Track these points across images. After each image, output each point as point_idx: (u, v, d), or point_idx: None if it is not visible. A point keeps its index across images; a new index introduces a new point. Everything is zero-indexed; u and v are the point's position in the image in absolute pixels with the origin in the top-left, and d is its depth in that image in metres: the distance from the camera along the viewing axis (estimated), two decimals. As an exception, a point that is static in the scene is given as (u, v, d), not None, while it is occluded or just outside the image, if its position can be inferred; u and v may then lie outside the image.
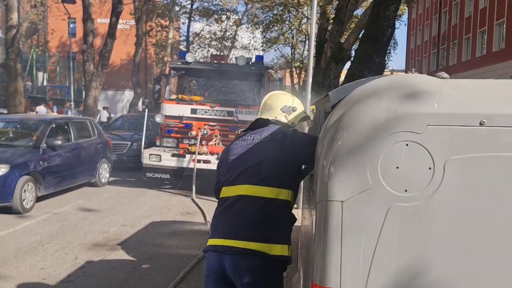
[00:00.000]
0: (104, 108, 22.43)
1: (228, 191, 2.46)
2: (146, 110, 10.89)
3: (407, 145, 1.82)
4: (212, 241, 2.43)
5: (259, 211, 2.34)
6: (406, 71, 51.20)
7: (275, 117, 2.61)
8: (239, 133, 2.70)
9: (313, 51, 7.52)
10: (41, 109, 19.33)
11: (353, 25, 22.96)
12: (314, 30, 7.52)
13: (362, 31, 17.65)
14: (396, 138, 1.82)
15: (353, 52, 19.74)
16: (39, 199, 7.57)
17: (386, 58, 10.53)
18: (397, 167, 1.83)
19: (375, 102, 1.91)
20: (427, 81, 1.97)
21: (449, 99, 1.84)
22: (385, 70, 11.83)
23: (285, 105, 2.67)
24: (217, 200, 2.59)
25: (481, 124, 1.78)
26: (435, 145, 1.81)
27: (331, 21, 20.07)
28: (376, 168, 1.84)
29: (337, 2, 19.07)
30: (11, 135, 8.41)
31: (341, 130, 1.92)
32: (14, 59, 14.91)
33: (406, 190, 1.83)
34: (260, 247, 2.29)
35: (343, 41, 15.40)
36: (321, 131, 2.11)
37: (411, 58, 48.44)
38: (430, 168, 1.81)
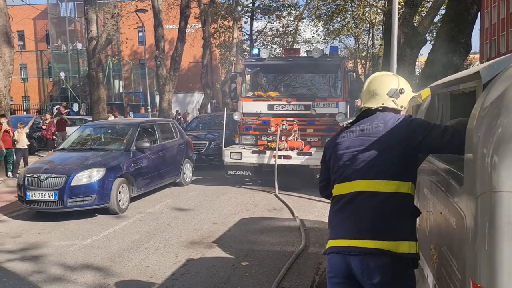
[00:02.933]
0: (177, 112, 23.22)
1: (343, 188, 2.31)
2: (225, 109, 11.02)
3: None
4: (333, 242, 2.30)
5: (381, 207, 2.18)
6: (480, 53, 47.84)
7: (382, 104, 2.36)
8: (344, 125, 2.52)
9: (396, 38, 7.13)
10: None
11: (424, 9, 21.81)
12: (396, 14, 7.12)
13: (438, 14, 16.69)
14: None
15: (428, 37, 18.74)
16: (132, 200, 7.92)
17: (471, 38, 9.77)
18: None
19: (546, 77, 1.66)
20: None
21: None
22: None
23: (391, 88, 2.38)
24: (323, 198, 2.52)
25: None
26: None
27: (400, 5, 19.19)
28: (552, 152, 1.60)
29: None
30: (102, 140, 8.89)
31: (505, 111, 1.69)
32: (96, 68, 15.83)
33: None
34: (387, 245, 2.13)
35: (417, 25, 14.59)
36: (474, 115, 1.90)
37: (486, 38, 45.17)
38: None
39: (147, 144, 8.29)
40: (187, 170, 9.98)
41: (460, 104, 2.77)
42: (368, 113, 2.37)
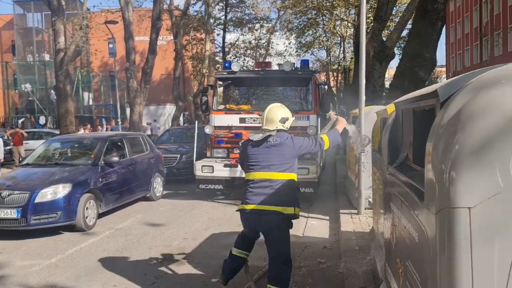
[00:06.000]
0: (148, 123, 22.93)
1: (254, 175, 3.80)
2: (196, 121, 10.94)
3: (542, 141, 1.63)
4: (244, 206, 3.81)
5: (275, 188, 3.68)
6: (447, 66, 49.47)
7: (276, 127, 3.79)
8: (249, 137, 3.88)
9: (364, 51, 7.28)
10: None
11: (393, 23, 22.45)
12: (364, 29, 7.28)
13: (406, 28, 17.19)
14: (529, 134, 1.63)
15: (396, 50, 19.25)
16: (100, 215, 7.72)
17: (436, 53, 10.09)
18: (532, 167, 1.63)
19: (500, 94, 1.71)
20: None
21: None
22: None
23: (282, 117, 3.81)
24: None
25: None
26: None
27: (369, 19, 19.69)
28: (507, 168, 1.65)
29: (374, 1, 18.68)
30: (69, 154, 8.66)
31: (461, 128, 1.74)
32: (63, 81, 15.51)
33: (545, 192, 1.63)
34: (279, 209, 3.68)
35: (385, 40, 14.99)
36: (432, 131, 1.94)
37: (451, 52, 46.82)
38: None
39: (116, 159, 8.13)
40: (158, 185, 9.83)
41: (422, 119, 2.83)
42: (266, 132, 3.79)
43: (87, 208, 7.17)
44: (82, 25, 15.38)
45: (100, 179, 7.69)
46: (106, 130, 21.02)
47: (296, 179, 3.82)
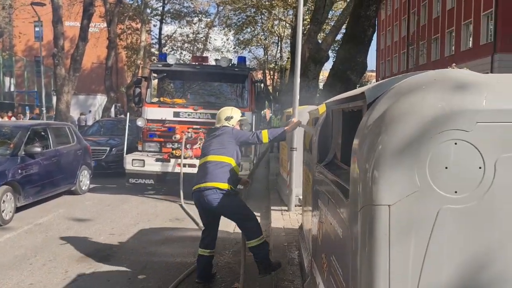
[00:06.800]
0: (82, 114, 21.85)
1: (202, 160, 4.46)
2: (128, 114, 10.56)
3: (455, 143, 1.74)
4: (196, 186, 4.36)
5: (217, 168, 4.28)
6: (377, 71, 52.12)
7: (222, 124, 4.60)
8: (207, 132, 5.06)
9: (300, 52, 7.44)
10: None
11: (328, 27, 23.19)
12: (300, 31, 7.44)
13: (340, 32, 17.82)
14: (444, 136, 1.74)
15: (330, 53, 19.91)
16: (18, 209, 7.20)
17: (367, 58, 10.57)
18: (446, 167, 1.75)
19: (420, 99, 1.82)
20: (471, 76, 1.90)
21: (497, 95, 1.78)
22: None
23: (227, 116, 4.63)
24: None
25: (531, 120, 1.72)
26: (485, 143, 1.74)
27: (306, 21, 20.19)
28: (424, 169, 1.75)
29: (312, 4, 19.16)
30: (-15, 143, 7.97)
31: (385, 130, 1.82)
32: (-19, 63, 14.24)
33: (456, 192, 1.75)
34: (216, 184, 4.23)
35: (321, 42, 15.44)
36: (358, 131, 2.01)
37: (381, 58, 49.37)
38: (480, 168, 1.74)
39: (38, 149, 7.62)
40: (84, 178, 9.36)
41: (350, 120, 2.94)
42: (216, 128, 4.62)
43: (3, 201, 6.65)
44: (5, 4, 14.21)
45: (19, 171, 7.17)
46: (30, 119, 19.67)
47: (234, 164, 4.36)
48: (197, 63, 10.20)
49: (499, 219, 1.73)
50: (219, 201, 4.20)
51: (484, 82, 1.83)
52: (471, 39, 26.87)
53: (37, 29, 30.22)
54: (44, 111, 19.04)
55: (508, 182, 1.73)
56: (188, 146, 9.06)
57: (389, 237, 1.77)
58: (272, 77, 44.00)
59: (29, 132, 7.82)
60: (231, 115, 4.63)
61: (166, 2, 31.22)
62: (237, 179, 4.53)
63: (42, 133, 8.38)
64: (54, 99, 20.42)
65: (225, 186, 4.22)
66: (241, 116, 4.77)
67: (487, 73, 2.04)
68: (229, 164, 4.32)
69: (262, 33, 34.77)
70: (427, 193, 1.75)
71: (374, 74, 53.02)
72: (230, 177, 4.30)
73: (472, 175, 1.74)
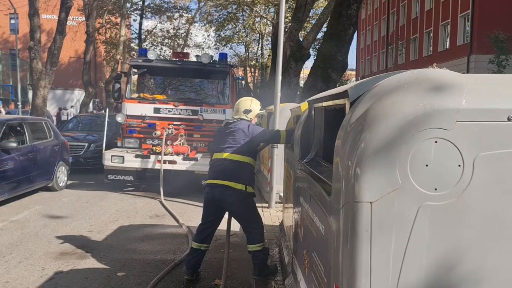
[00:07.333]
0: (63, 109, 21.43)
1: (218, 155, 4.32)
2: (107, 109, 10.40)
3: (436, 142, 1.78)
4: (209, 181, 4.30)
5: (233, 167, 4.20)
6: (356, 70, 52.66)
7: (239, 117, 4.46)
8: (224, 123, 4.72)
9: (282, 50, 7.45)
10: None
11: (309, 25, 23.31)
12: (282, 28, 7.45)
13: (321, 30, 17.94)
14: (425, 135, 1.77)
15: (311, 51, 20.02)
16: (-8, 206, 7.03)
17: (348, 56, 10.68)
18: (427, 165, 1.78)
19: (401, 98, 1.85)
20: (451, 76, 1.94)
21: (476, 94, 1.82)
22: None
23: (245, 108, 4.48)
24: None
25: (509, 119, 1.77)
26: (464, 142, 1.77)
27: (287, 19, 20.23)
28: (405, 166, 1.78)
29: (293, 2, 19.20)
30: (-43, 138, 7.73)
31: (367, 128, 1.84)
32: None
33: (436, 189, 1.78)
34: (231, 184, 4.16)
35: (302, 40, 15.51)
36: (341, 129, 2.03)
37: (361, 57, 49.89)
38: (459, 166, 1.78)
39: (14, 144, 7.44)
40: (61, 174, 9.19)
41: (332, 117, 2.97)
42: (234, 121, 4.47)
43: (-23, 198, 6.48)
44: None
45: (-6, 167, 6.99)
46: (6, 113, 19.17)
47: (251, 162, 4.28)
48: (178, 59, 10.11)
49: (476, 216, 1.78)
50: (233, 200, 4.17)
51: (464, 82, 1.87)
52: (448, 40, 27.40)
53: (12, 21, 29.48)
54: (20, 106, 18.57)
55: (485, 180, 1.77)
56: (168, 142, 8.98)
57: (370, 233, 1.80)
58: (253, 74, 43.99)
59: (4, 127, 7.63)
60: (250, 108, 4.46)
61: (146, -4, 30.84)
62: (253, 177, 4.39)
63: (18, 128, 8.18)
64: (30, 93, 19.94)
65: (242, 187, 4.16)
66: (260, 110, 4.61)
67: (464, 73, 2.08)
68: (247, 164, 4.24)
69: (243, 30, 34.71)
70: (408, 190, 1.78)
71: (354, 73, 53.57)
72: (248, 177, 4.24)
73: (452, 172, 1.78)
